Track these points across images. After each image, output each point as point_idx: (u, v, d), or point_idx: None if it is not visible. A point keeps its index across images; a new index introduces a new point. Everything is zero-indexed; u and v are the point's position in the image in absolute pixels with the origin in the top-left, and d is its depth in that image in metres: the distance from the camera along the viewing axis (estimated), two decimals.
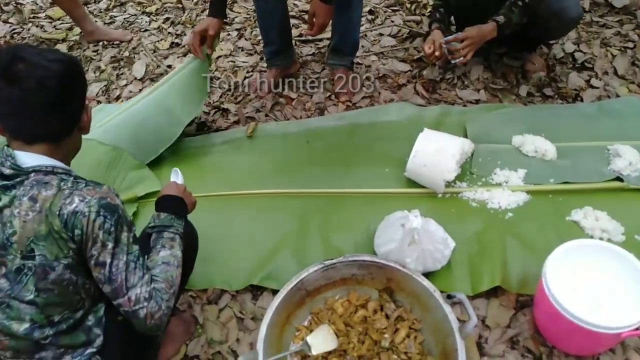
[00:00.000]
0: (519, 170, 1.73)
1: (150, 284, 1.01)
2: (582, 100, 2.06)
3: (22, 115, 0.97)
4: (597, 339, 1.19)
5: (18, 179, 0.95)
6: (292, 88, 2.21)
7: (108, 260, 0.97)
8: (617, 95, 2.06)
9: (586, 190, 1.66)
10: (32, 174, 0.96)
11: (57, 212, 0.93)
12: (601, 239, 1.49)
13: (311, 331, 1.31)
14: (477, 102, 2.08)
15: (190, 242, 1.21)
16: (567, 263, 1.24)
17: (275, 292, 1.37)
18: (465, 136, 1.86)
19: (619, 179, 1.67)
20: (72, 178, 0.99)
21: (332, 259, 1.39)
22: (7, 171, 0.95)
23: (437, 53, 1.90)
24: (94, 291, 1.05)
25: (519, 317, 1.38)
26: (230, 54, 2.46)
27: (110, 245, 0.96)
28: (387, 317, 1.35)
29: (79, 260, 0.98)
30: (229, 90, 2.23)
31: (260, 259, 1.55)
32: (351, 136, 1.94)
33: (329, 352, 1.27)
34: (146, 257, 1.05)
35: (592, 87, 2.12)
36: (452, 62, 1.92)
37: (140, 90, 2.28)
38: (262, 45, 2.42)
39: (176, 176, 1.44)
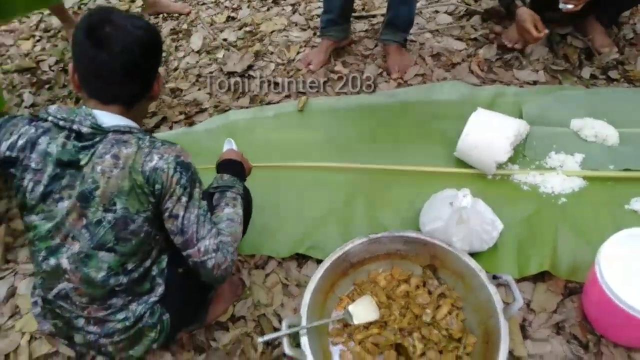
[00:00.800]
0: (576, 155, 1.67)
1: (217, 237, 1.07)
2: None
3: (104, 76, 1.02)
4: None
5: (97, 139, 1.00)
6: (344, 63, 2.21)
7: (181, 213, 1.02)
8: None
9: None
10: (111, 134, 1.01)
11: (140, 169, 0.99)
12: None
13: (353, 301, 1.34)
14: (535, 83, 2.00)
15: (245, 207, 1.26)
16: (623, 251, 1.19)
17: (319, 262, 1.41)
18: (521, 117, 1.80)
19: None
20: (148, 137, 1.05)
21: (377, 233, 1.41)
22: (85, 129, 0.99)
23: (545, 31, 1.89)
24: (161, 242, 1.12)
25: (566, 304, 1.35)
26: (284, 29, 2.48)
27: (184, 199, 1.02)
28: (430, 293, 1.35)
29: (156, 214, 1.04)
30: (282, 64, 2.25)
31: (307, 230, 1.59)
32: (401, 114, 1.92)
33: (370, 323, 1.30)
34: (209, 214, 1.11)
35: None
36: (565, 7, 1.83)
37: (197, 62, 2.35)
38: (316, 20, 2.42)
39: (229, 145, 1.49)
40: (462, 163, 1.71)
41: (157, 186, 1.00)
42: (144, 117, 1.18)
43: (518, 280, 1.41)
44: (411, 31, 2.25)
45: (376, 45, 2.28)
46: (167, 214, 1.03)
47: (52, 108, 1.02)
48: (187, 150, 1.07)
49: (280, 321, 1.37)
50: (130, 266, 1.07)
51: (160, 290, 1.13)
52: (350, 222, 1.60)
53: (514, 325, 1.31)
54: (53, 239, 1.03)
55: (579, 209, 1.53)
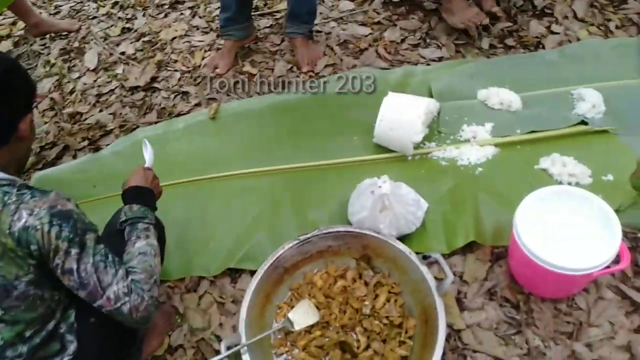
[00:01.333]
0: (486, 124, 1.73)
1: (126, 278, 0.98)
2: (544, 47, 2.06)
3: None
4: (570, 281, 1.21)
5: None
6: (252, 63, 2.15)
7: (74, 267, 0.93)
8: (578, 39, 2.06)
9: (553, 137, 1.66)
10: None
11: (7, 231, 0.89)
12: (569, 183, 1.51)
13: (292, 307, 1.31)
14: (440, 59, 2.05)
15: (159, 235, 1.19)
16: (536, 211, 1.25)
17: (253, 273, 1.36)
18: (431, 96, 1.84)
19: (583, 122, 1.68)
20: (15, 189, 0.93)
21: (306, 234, 1.39)
22: None
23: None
24: (63, 299, 1.02)
25: (495, 269, 1.40)
26: (185, 35, 2.37)
27: (74, 251, 0.93)
28: (366, 284, 1.35)
29: (42, 274, 0.94)
30: (187, 72, 2.16)
31: (236, 242, 1.53)
32: (317, 107, 1.90)
33: (312, 326, 1.27)
34: (112, 256, 1.01)
35: (552, 33, 2.11)
36: None
37: (95, 81, 2.19)
38: (218, 21, 2.34)
39: (145, 149, 1.37)
40: (382, 149, 1.72)
41: (33, 247, 0.90)
42: (21, 160, 1.05)
43: (449, 255, 1.44)
44: (316, 21, 2.23)
45: (283, 41, 2.24)
46: (59, 271, 0.94)
47: None
48: (65, 193, 0.97)
49: (221, 342, 1.31)
50: (29, 333, 0.97)
51: (72, 347, 1.03)
52: (280, 226, 1.56)
53: (451, 299, 1.35)
54: None
55: (495, 175, 1.59)
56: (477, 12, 2.09)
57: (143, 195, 1.18)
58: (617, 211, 1.39)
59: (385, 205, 1.33)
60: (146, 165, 1.31)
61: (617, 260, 1.16)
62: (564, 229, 1.23)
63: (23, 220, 0.89)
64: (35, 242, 0.90)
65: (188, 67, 2.18)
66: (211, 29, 2.38)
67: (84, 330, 1.04)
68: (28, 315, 0.95)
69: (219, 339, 1.34)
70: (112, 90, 2.12)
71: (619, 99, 1.74)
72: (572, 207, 1.25)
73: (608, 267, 1.15)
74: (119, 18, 2.56)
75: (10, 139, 0.99)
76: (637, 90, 1.77)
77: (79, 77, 2.23)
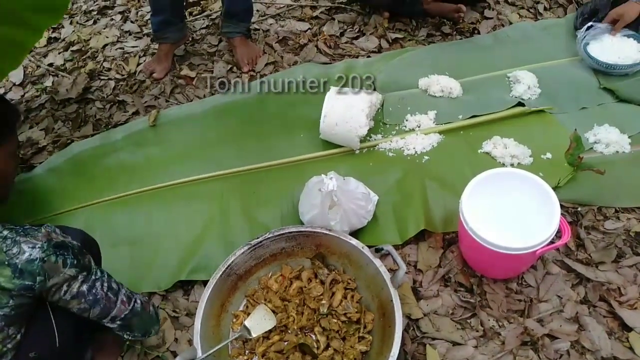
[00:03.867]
0: (429, 113, 1.75)
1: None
2: (479, 32, 2.10)
3: None
4: (516, 260, 1.25)
5: None
6: (190, 67, 2.08)
7: (84, 289, 0.99)
8: (510, 23, 2.12)
9: (493, 121, 1.71)
10: None
11: (7, 262, 0.89)
12: (512, 165, 1.55)
13: (248, 315, 1.27)
14: (380, 51, 2.06)
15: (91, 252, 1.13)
16: (480, 195, 1.27)
17: (206, 283, 1.31)
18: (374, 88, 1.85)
19: (520, 104, 1.73)
20: (2, 226, 0.94)
21: (257, 237, 1.35)
22: None
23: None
24: (15, 339, 0.97)
25: (447, 255, 1.42)
26: (117, 41, 2.26)
27: (80, 276, 0.98)
28: (322, 283, 1.34)
29: (17, 310, 0.93)
30: (122, 79, 2.06)
31: (186, 253, 1.48)
32: (260, 107, 1.86)
33: (270, 331, 1.25)
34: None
35: (486, 18, 2.16)
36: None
37: (22, 96, 2.05)
38: (149, 25, 2.25)
39: None
40: (329, 145, 1.70)
41: (39, 278, 0.92)
42: (4, 191, 1.05)
43: (402, 245, 1.45)
44: (253, 19, 2.19)
45: (221, 41, 2.18)
46: (67, 297, 0.98)
47: None
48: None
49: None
50: None
51: None
52: (230, 232, 1.52)
53: (407, 290, 1.35)
54: None
55: (441, 163, 1.61)
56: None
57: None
58: (556, 187, 1.45)
59: (334, 201, 1.32)
60: None
61: (559, 235, 1.20)
62: (507, 210, 1.27)
63: (27, 254, 0.91)
64: (42, 274, 0.92)
65: (123, 75, 2.08)
66: (144, 34, 2.28)
67: None
68: None
69: (174, 355, 1.29)
70: (42, 105, 1.99)
71: (551, 79, 1.81)
72: (513, 188, 1.28)
73: (552, 242, 1.18)
74: None
75: None
76: (568, 69, 1.85)
77: (4, 93, 2.08)
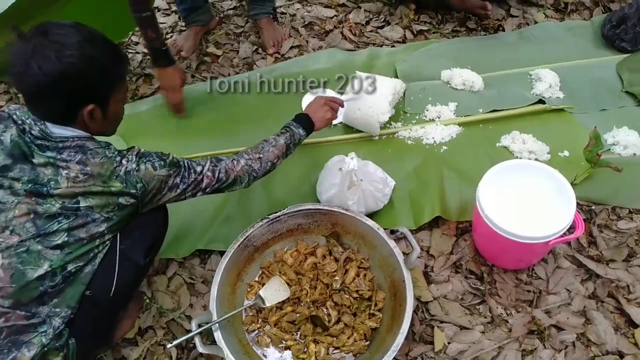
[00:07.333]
0: (450, 104, 1.77)
1: (211, 160, 1.19)
2: (503, 30, 2.11)
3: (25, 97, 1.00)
4: (529, 250, 1.27)
5: (59, 145, 0.99)
6: (216, 45, 2.11)
7: (178, 180, 1.12)
8: (535, 22, 2.12)
9: (513, 116, 1.73)
10: (70, 141, 1.00)
11: (115, 176, 1.02)
12: (529, 160, 1.57)
13: (263, 285, 1.31)
14: (404, 41, 2.07)
15: (161, 224, 1.26)
16: (498, 184, 1.29)
17: (222, 254, 1.35)
18: (396, 76, 1.87)
19: (541, 101, 1.75)
20: (110, 146, 1.06)
21: (276, 212, 1.39)
22: (35, 133, 0.99)
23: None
24: (107, 250, 1.08)
25: (460, 243, 1.45)
26: None
27: (172, 171, 1.10)
28: (336, 260, 1.37)
29: (119, 218, 1.06)
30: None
31: (205, 224, 1.52)
32: (283, 88, 1.89)
33: (283, 302, 1.28)
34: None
35: (512, 16, 2.17)
36: None
37: None
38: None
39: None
40: (349, 129, 1.73)
41: (139, 185, 1.05)
42: (106, 130, 1.12)
43: (416, 230, 1.48)
44: (280, 3, 2.21)
45: (247, 22, 2.21)
46: (165, 190, 1.10)
47: (13, 106, 1.05)
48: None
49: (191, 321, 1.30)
50: (71, 267, 1.02)
51: (73, 302, 1.05)
52: (248, 207, 1.55)
53: (418, 273, 1.38)
54: None
55: (459, 153, 1.64)
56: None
57: (307, 123, 1.40)
58: (572, 184, 1.46)
59: (354, 181, 1.35)
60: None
61: (572, 231, 1.22)
62: (523, 200, 1.28)
63: (124, 167, 1.04)
64: (140, 180, 1.05)
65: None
66: (173, 11, 2.31)
67: (79, 299, 1.06)
68: (83, 250, 1.02)
69: (189, 319, 1.33)
70: None
71: (573, 79, 1.82)
72: (531, 180, 1.30)
73: (564, 235, 1.21)
74: None
75: (75, 121, 1.02)
76: (591, 71, 1.86)
77: None
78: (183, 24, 2.17)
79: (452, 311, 1.32)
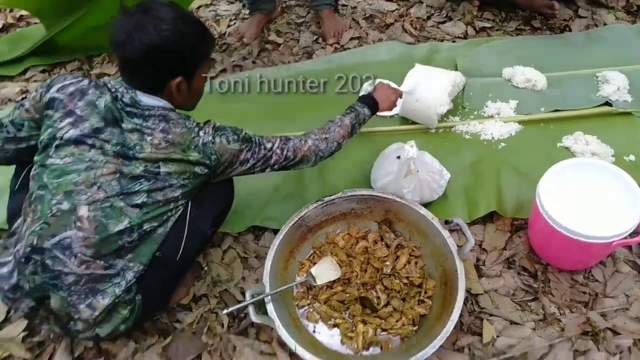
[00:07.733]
0: (510, 102, 1.75)
1: (281, 138, 1.24)
2: (570, 30, 2.06)
3: (121, 67, 1.10)
4: (589, 251, 1.24)
5: (145, 113, 1.07)
6: (278, 34, 2.17)
7: (249, 156, 1.18)
8: (605, 24, 2.06)
9: (576, 117, 1.68)
10: (155, 110, 1.08)
11: (193, 146, 1.09)
12: None
13: (314, 264, 1.34)
14: (466, 37, 2.06)
15: (227, 199, 1.33)
16: (560, 182, 1.27)
17: (276, 232, 1.39)
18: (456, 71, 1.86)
19: (607, 104, 1.69)
20: (190, 118, 1.13)
21: (331, 195, 1.41)
22: (126, 101, 1.07)
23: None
24: (175, 213, 1.15)
25: (514, 240, 1.43)
26: (211, 3, 2.39)
27: (244, 146, 1.16)
28: (388, 246, 1.38)
29: (192, 185, 1.13)
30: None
31: (260, 202, 1.56)
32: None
33: (333, 281, 1.31)
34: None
35: (580, 17, 2.11)
36: None
37: None
38: None
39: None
40: (406, 121, 1.74)
41: (214, 157, 1.12)
42: (188, 104, 1.21)
43: (469, 224, 1.47)
44: None
45: (309, 13, 2.25)
46: (236, 164, 1.17)
47: (107, 77, 1.16)
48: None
49: (243, 294, 1.35)
50: (147, 226, 1.09)
51: (145, 259, 1.12)
52: (303, 190, 1.59)
53: (469, 266, 1.37)
54: (76, 185, 1.03)
55: (517, 151, 1.61)
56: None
57: (372, 105, 1.46)
58: None
59: (411, 170, 1.36)
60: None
61: (635, 234, 1.19)
62: (586, 199, 1.26)
63: (202, 139, 1.11)
64: (214, 152, 1.12)
65: (214, 35, 2.19)
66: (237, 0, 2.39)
67: (149, 259, 1.13)
68: (159, 211, 1.10)
69: (241, 290, 1.38)
70: None
71: None
72: (595, 179, 1.27)
73: (629, 236, 1.17)
74: None
75: (163, 91, 1.11)
76: None
77: None
78: (247, 12, 2.24)
79: (503, 306, 1.30)
